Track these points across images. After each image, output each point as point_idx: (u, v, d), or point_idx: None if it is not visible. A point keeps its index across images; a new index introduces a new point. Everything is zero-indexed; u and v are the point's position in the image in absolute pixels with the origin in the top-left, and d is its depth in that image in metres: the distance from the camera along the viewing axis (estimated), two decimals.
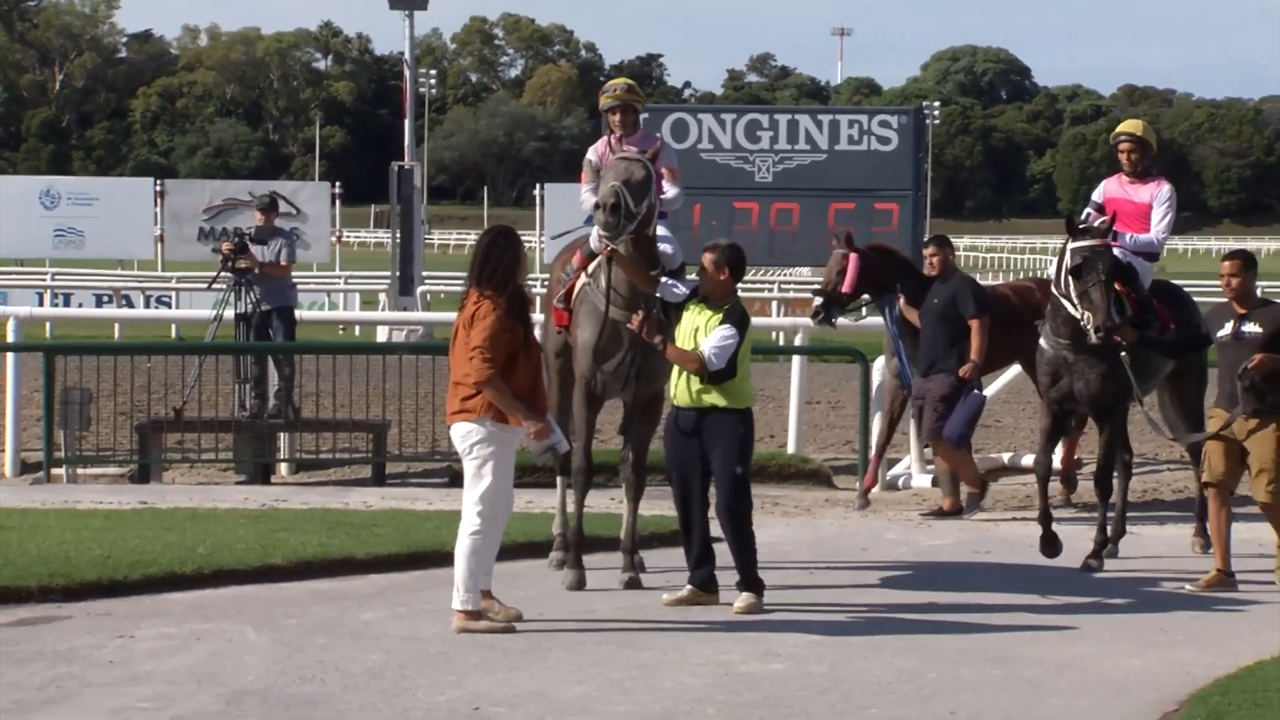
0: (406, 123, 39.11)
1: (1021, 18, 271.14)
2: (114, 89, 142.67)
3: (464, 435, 10.14)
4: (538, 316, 12.47)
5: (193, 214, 37.49)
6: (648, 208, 11.14)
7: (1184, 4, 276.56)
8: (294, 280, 18.92)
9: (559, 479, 12.13)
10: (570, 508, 11.74)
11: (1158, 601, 11.57)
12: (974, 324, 14.69)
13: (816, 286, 16.17)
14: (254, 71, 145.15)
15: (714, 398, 10.77)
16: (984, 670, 9.43)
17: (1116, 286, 12.29)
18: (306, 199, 38.22)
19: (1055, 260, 12.73)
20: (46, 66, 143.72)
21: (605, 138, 12.04)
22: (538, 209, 46.93)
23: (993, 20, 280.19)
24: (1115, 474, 13.04)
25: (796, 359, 18.02)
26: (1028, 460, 16.40)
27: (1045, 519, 12.68)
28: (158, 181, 40.34)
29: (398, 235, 35.85)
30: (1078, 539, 13.16)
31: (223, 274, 18.05)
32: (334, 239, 45.32)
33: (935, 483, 15.75)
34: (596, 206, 11.02)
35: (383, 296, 37.44)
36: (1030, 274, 51.07)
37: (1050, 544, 12.60)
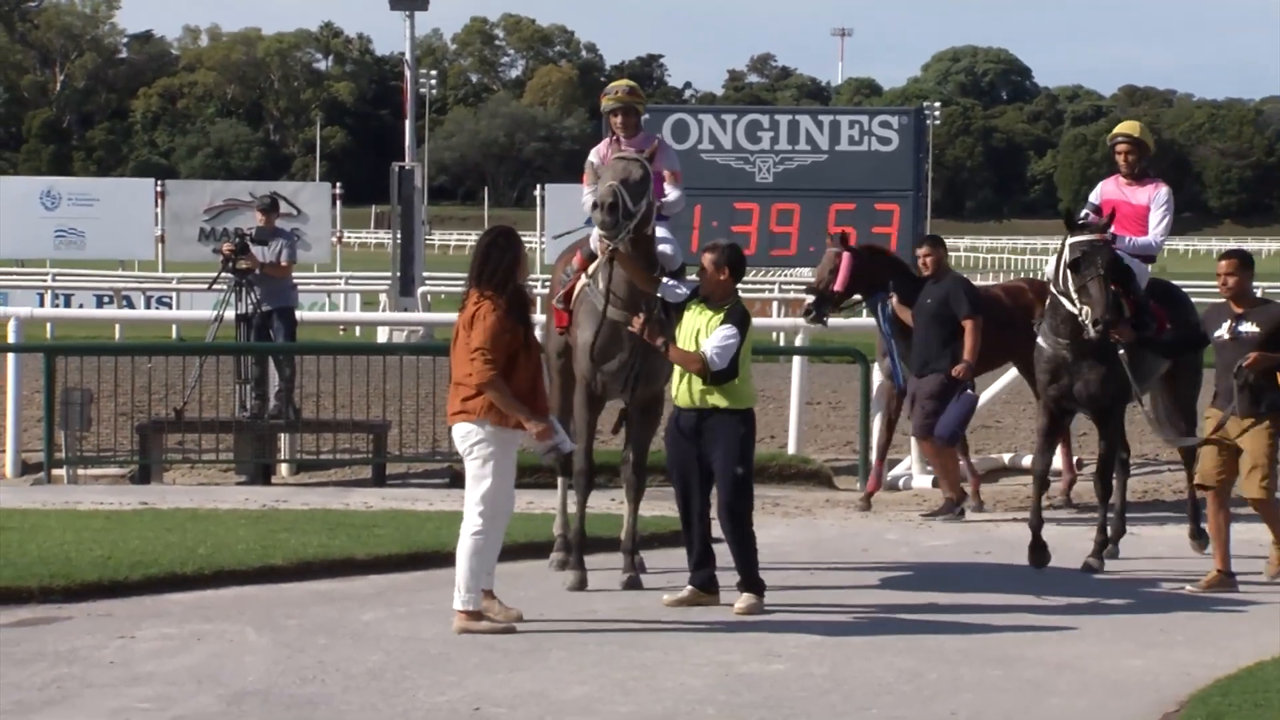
0: (407, 123, 39.15)
1: (1022, 18, 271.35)
2: (115, 89, 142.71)
3: (465, 435, 10.15)
4: (539, 317, 12.49)
5: (193, 215, 37.52)
6: (646, 206, 11.14)
7: (1184, 4, 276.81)
8: (295, 281, 18.94)
9: (560, 480, 12.14)
10: (571, 509, 11.74)
11: (1158, 602, 11.58)
12: (968, 324, 14.71)
13: (808, 284, 16.20)
14: (255, 72, 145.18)
15: (715, 398, 10.77)
16: (984, 671, 9.43)
17: (1112, 287, 12.25)
18: (307, 200, 38.24)
19: (1054, 257, 12.69)
20: (47, 67, 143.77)
21: (607, 140, 12.04)
22: (538, 210, 46.90)
23: (993, 21, 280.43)
24: (1114, 474, 13.05)
25: (797, 359, 18.03)
26: (1028, 460, 16.41)
27: (1037, 524, 12.54)
28: (158, 182, 40.35)
29: (398, 236, 35.86)
30: (1077, 539, 13.18)
31: (223, 275, 18.05)
32: (334, 240, 45.29)
33: (935, 483, 15.76)
34: (594, 206, 11.02)
35: (383, 297, 37.45)
36: (1029, 275, 51.04)
37: (1038, 551, 12.45)
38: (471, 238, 75.17)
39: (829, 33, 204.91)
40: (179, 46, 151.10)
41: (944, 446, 14.78)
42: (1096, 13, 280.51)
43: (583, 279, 11.69)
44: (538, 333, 11.27)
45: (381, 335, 29.30)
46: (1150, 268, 13.43)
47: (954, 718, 8.56)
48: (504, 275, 10.18)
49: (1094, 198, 13.26)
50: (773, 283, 41.89)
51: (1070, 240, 12.26)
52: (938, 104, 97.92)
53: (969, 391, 14.82)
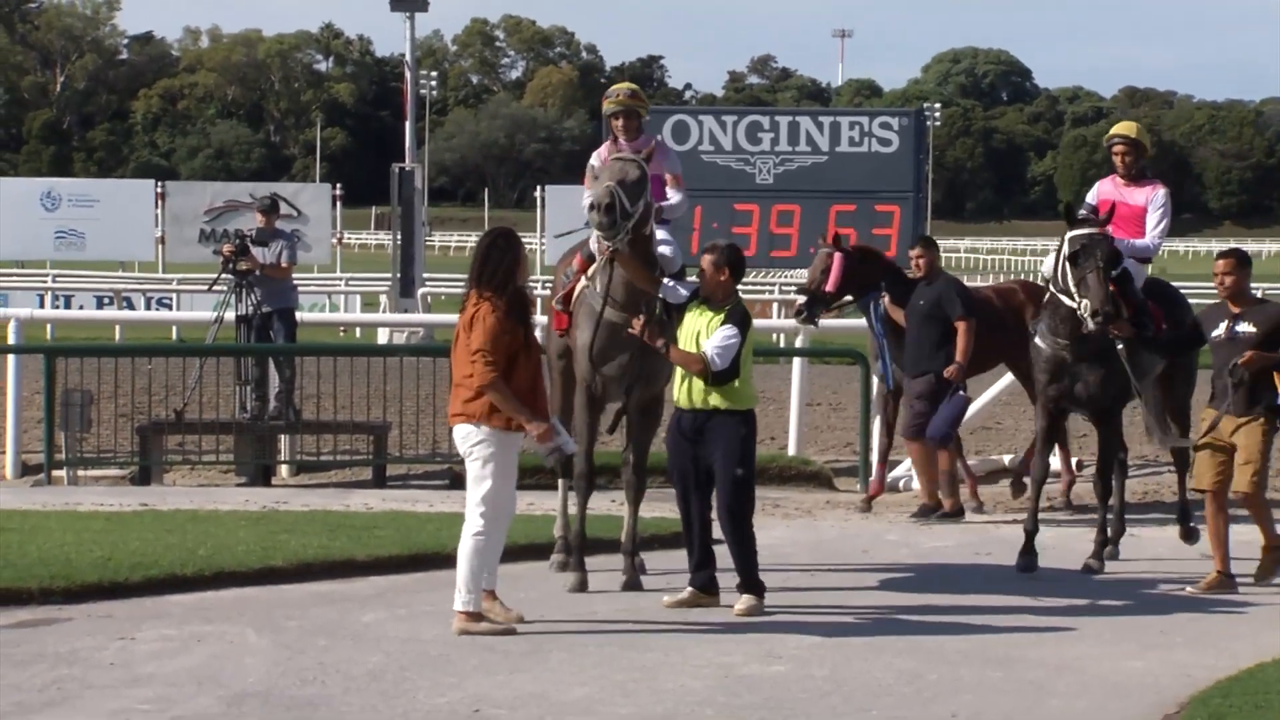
0: (407, 124, 39.18)
1: (1022, 19, 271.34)
2: (115, 91, 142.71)
3: (465, 437, 10.15)
4: (540, 318, 12.49)
5: (194, 216, 37.57)
6: (644, 207, 11.14)
7: (1184, 4, 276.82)
8: (295, 282, 18.94)
9: (561, 482, 12.14)
10: (572, 510, 11.74)
11: (1158, 603, 11.58)
12: (961, 326, 14.73)
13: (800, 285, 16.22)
14: (255, 73, 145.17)
15: (716, 399, 10.77)
16: (984, 672, 9.43)
17: (1110, 289, 12.21)
18: (307, 201, 38.29)
19: (1053, 254, 12.59)
20: (48, 68, 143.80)
21: (608, 143, 12.03)
22: (538, 211, 46.92)
23: (993, 22, 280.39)
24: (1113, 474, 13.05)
25: (797, 361, 18.03)
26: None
27: (1032, 528, 12.46)
28: (159, 183, 40.41)
29: (398, 237, 35.88)
30: (1077, 540, 13.18)
31: (223, 276, 18.06)
32: (335, 241, 45.33)
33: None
34: (591, 207, 11.02)
35: (383, 298, 37.48)
36: (1030, 276, 51.02)
37: (1027, 555, 12.34)
38: (472, 239, 75.20)
39: (829, 34, 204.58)
40: (179, 48, 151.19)
41: (936, 448, 14.80)
42: (1096, 13, 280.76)
43: (582, 281, 11.69)
44: (538, 334, 11.27)
45: (382, 336, 29.31)
46: (1147, 268, 13.42)
47: (954, 719, 8.56)
48: (504, 276, 10.18)
49: (1091, 198, 13.16)
50: (773, 284, 41.88)
51: (1070, 234, 12.23)
52: (938, 105, 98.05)
53: (960, 393, 14.84)
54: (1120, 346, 12.29)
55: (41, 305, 35.74)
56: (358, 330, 33.96)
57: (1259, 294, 13.48)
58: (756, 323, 11.40)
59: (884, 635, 10.27)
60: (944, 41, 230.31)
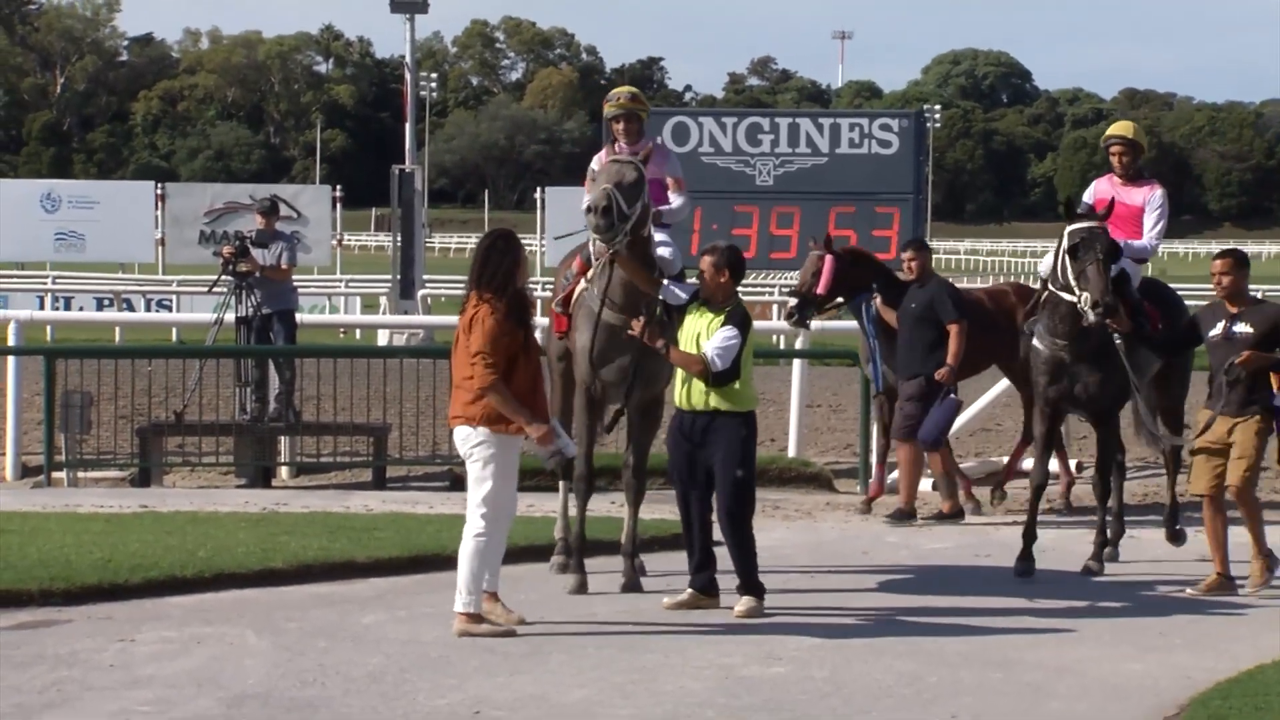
0: (407, 126, 39.15)
1: (1022, 20, 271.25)
2: (115, 92, 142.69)
3: (465, 438, 10.15)
4: (541, 320, 12.49)
5: (193, 217, 37.54)
6: (641, 209, 11.13)
7: (1184, 6, 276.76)
8: (295, 284, 18.95)
9: (561, 483, 12.15)
10: (572, 512, 11.74)
11: (1157, 605, 11.58)
12: (953, 328, 14.74)
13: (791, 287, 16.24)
14: (255, 75, 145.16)
15: (716, 401, 10.77)
16: (984, 674, 9.44)
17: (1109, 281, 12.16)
18: (307, 202, 38.26)
19: (1052, 252, 12.55)
20: (47, 70, 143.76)
21: (608, 146, 12.02)
22: (538, 212, 46.88)
23: (993, 23, 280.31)
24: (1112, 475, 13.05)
25: (797, 362, 18.04)
26: (1028, 464, 16.40)
27: (1030, 535, 12.42)
28: (159, 185, 40.39)
29: (398, 239, 35.86)
30: (1076, 542, 13.17)
31: (223, 277, 18.07)
32: (335, 242, 45.30)
33: (935, 487, 15.76)
34: (589, 210, 11.02)
35: (383, 300, 37.45)
36: (1029, 278, 51.03)
37: (1024, 561, 12.31)
38: (472, 241, 75.23)
39: (829, 35, 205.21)
40: (179, 49, 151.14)
41: (928, 450, 14.81)
42: (1096, 15, 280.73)
43: (582, 283, 11.69)
44: (538, 335, 11.27)
45: (382, 338, 29.29)
46: (1144, 269, 13.42)
47: None
48: (504, 278, 10.18)
49: (1088, 197, 13.08)
50: (773, 286, 41.88)
51: (1069, 228, 12.21)
52: (938, 107, 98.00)
53: (952, 396, 14.84)
54: (1119, 342, 12.27)
55: (41, 307, 35.72)
56: (358, 332, 33.96)
57: (1258, 295, 13.43)
58: (756, 324, 11.40)
59: (884, 637, 10.27)
60: (944, 43, 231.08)
